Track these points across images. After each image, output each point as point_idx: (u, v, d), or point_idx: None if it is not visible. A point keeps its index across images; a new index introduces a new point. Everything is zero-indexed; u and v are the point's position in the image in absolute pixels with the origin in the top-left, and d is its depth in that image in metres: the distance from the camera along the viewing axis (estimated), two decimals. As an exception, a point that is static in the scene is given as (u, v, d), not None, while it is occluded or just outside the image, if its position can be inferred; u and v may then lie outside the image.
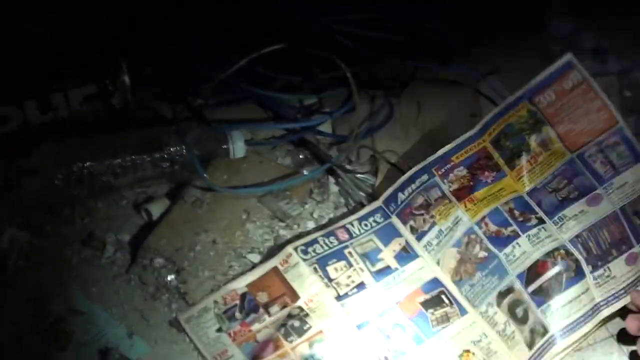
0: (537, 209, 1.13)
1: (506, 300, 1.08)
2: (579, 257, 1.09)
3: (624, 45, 1.46)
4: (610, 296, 1.09)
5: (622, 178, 1.12)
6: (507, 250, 1.11)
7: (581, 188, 1.12)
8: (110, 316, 1.09)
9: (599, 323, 1.09)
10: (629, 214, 1.11)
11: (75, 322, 1.08)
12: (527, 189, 1.14)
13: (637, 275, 1.10)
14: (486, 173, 1.15)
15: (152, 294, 1.12)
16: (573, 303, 1.09)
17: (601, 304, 1.09)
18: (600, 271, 1.09)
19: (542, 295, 1.09)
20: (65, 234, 1.17)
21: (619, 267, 1.10)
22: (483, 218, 1.13)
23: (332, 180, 1.27)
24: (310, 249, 1.13)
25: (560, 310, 1.09)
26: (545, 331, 1.08)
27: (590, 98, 1.13)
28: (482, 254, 1.12)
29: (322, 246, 1.14)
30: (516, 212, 1.13)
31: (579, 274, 1.09)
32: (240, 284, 1.10)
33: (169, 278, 1.13)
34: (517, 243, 1.11)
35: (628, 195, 1.12)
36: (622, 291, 1.09)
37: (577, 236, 1.11)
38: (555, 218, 1.12)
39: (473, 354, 1.05)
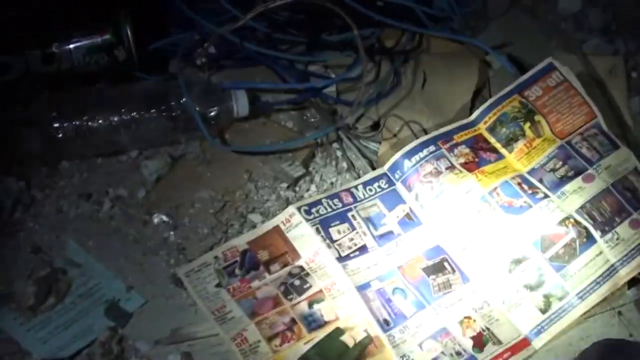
0: (539, 185, 1.15)
1: (519, 267, 1.09)
2: (587, 224, 1.11)
3: (631, 26, 1.45)
4: (624, 256, 1.11)
5: (607, 161, 1.17)
6: (520, 219, 1.12)
7: (575, 168, 1.16)
8: (108, 269, 1.07)
9: (618, 285, 1.11)
10: (620, 189, 1.15)
11: (73, 274, 1.06)
12: (527, 169, 1.17)
13: None
14: (488, 153, 1.18)
15: (151, 249, 1.11)
16: (589, 265, 1.10)
17: (617, 264, 1.11)
18: (609, 235, 1.12)
19: (559, 261, 1.09)
20: (63, 188, 1.16)
21: (625, 231, 1.13)
22: (495, 189, 1.14)
23: (335, 145, 1.25)
24: (313, 210, 1.12)
25: (578, 273, 1.09)
26: (565, 294, 1.08)
27: (572, 95, 1.21)
28: (493, 222, 1.11)
29: (325, 208, 1.13)
30: (525, 186, 1.14)
31: (590, 239, 1.10)
32: (242, 241, 1.10)
33: (168, 234, 1.12)
34: (530, 213, 1.12)
35: (615, 175, 1.16)
36: (634, 251, 1.12)
37: (581, 207, 1.13)
38: (558, 193, 1.14)
39: (474, 320, 1.05)
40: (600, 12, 1.45)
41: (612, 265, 1.09)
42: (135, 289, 1.06)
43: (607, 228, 1.11)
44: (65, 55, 1.21)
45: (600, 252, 1.10)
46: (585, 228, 1.11)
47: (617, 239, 1.11)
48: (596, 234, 1.11)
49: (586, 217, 1.12)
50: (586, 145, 1.19)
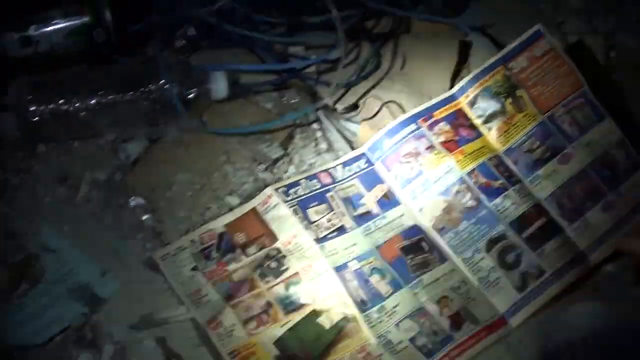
0: (513, 168, 1.15)
1: (497, 247, 1.10)
2: (554, 214, 1.13)
3: (610, 6, 1.44)
4: (593, 242, 1.12)
5: (588, 136, 1.17)
6: (497, 200, 1.13)
7: (553, 149, 1.16)
8: (83, 254, 1.06)
9: (589, 268, 1.12)
10: (598, 167, 1.16)
11: (47, 260, 1.05)
12: (504, 148, 1.17)
13: (617, 219, 1.14)
14: (468, 130, 1.18)
15: (127, 233, 1.10)
16: (559, 250, 1.11)
17: (586, 250, 1.12)
18: (577, 223, 1.13)
19: (535, 241, 1.11)
20: (39, 172, 1.15)
21: (596, 216, 1.14)
22: (473, 170, 1.14)
23: (315, 126, 1.24)
24: (291, 191, 1.12)
25: (553, 254, 1.11)
26: (541, 272, 1.09)
27: (558, 64, 1.19)
28: (471, 202, 1.12)
29: (303, 188, 1.13)
30: (500, 168, 1.14)
31: (556, 229, 1.13)
32: (218, 224, 1.09)
33: (144, 217, 1.11)
34: (507, 195, 1.13)
35: (595, 152, 1.17)
36: (605, 234, 1.13)
37: (552, 194, 1.14)
38: (531, 177, 1.15)
39: (451, 300, 1.04)
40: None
41: (581, 252, 1.10)
42: (110, 274, 1.05)
43: (576, 216, 1.13)
44: (43, 37, 1.20)
45: (568, 240, 1.11)
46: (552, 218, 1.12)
47: (586, 225, 1.12)
48: (563, 223, 1.12)
49: (555, 205, 1.13)
50: (569, 118, 1.18)
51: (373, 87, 1.27)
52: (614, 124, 1.19)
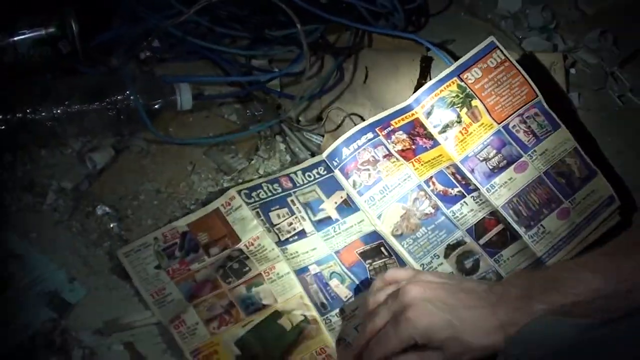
0: (470, 176, 1.19)
1: (455, 252, 1.14)
2: (511, 220, 1.16)
3: (570, 25, 1.48)
4: (549, 249, 1.16)
5: (543, 145, 1.21)
6: (455, 207, 1.16)
7: (509, 157, 1.20)
8: (50, 261, 1.07)
9: None
10: (553, 176, 1.20)
11: (14, 267, 1.06)
12: (461, 157, 1.21)
13: (573, 226, 1.18)
14: (424, 140, 1.22)
15: (94, 241, 1.11)
16: (516, 256, 1.15)
17: (543, 257, 1.15)
18: (534, 230, 1.17)
19: (493, 247, 1.15)
20: (5, 180, 1.15)
21: (552, 223, 1.17)
22: (430, 177, 1.18)
23: (278, 138, 1.27)
24: (254, 194, 1.15)
25: (511, 259, 1.15)
26: (499, 277, 1.12)
27: (512, 75, 1.23)
28: (429, 210, 1.16)
29: (265, 192, 1.16)
30: (458, 176, 1.18)
31: (513, 236, 1.16)
32: (182, 223, 1.12)
33: (111, 225, 1.13)
34: (464, 202, 1.17)
35: (550, 160, 1.20)
36: (561, 242, 1.17)
37: (508, 202, 1.18)
38: (488, 186, 1.19)
39: None
40: (539, 11, 1.48)
41: (539, 258, 1.14)
42: (78, 280, 1.06)
43: (532, 223, 1.16)
44: (9, 47, 1.20)
45: (526, 246, 1.15)
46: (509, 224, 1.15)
47: (543, 232, 1.16)
48: (520, 230, 1.16)
49: (511, 212, 1.17)
50: (524, 128, 1.22)
51: (336, 99, 1.31)
52: (568, 133, 1.23)
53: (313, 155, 1.25)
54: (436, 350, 0.91)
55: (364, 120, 1.26)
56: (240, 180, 1.20)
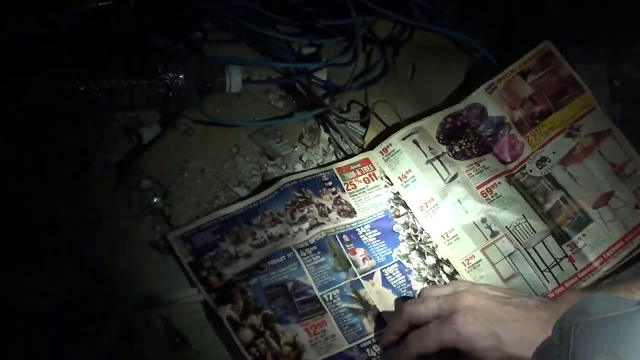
0: None
1: None
2: None
3: (614, 36, 1.48)
4: None
5: None
6: None
7: None
8: (92, 231, 1.08)
9: None
10: None
11: (57, 234, 1.07)
12: None
13: None
14: None
15: (137, 214, 1.12)
16: None
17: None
18: None
19: None
20: (52, 149, 1.16)
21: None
22: None
23: (322, 127, 1.28)
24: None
25: None
26: None
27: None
28: None
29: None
30: None
31: None
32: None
33: (154, 200, 1.13)
34: None
35: None
36: None
37: None
38: None
39: None
40: (586, 21, 1.48)
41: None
42: (119, 252, 1.07)
43: None
44: (62, 19, 1.21)
45: None
46: None
47: None
48: None
49: None
50: None
51: (381, 94, 1.31)
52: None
53: (356, 145, 1.24)
54: None
55: (408, 115, 1.27)
56: (283, 166, 1.21)
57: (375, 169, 1.20)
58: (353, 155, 1.24)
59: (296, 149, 1.24)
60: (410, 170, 1.20)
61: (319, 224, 1.12)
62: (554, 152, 1.22)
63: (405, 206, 1.18)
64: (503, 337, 0.92)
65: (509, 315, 0.94)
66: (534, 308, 0.95)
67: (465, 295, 0.96)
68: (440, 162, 1.21)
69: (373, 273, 1.11)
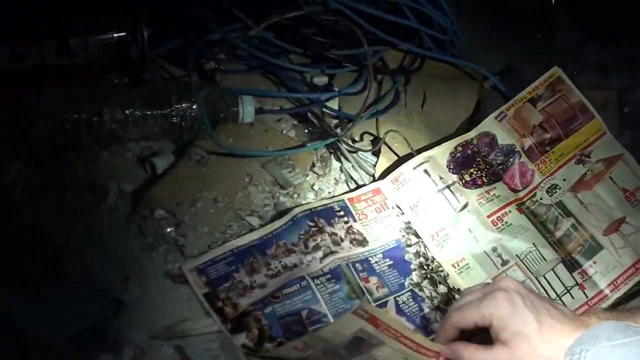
0: None
1: None
2: None
3: (627, 63, 1.49)
4: None
5: None
6: None
7: None
8: (106, 260, 1.09)
9: None
10: None
11: (72, 262, 1.08)
12: None
13: None
14: None
15: (150, 244, 1.13)
16: None
17: None
18: None
19: None
20: (67, 178, 1.18)
21: None
22: None
23: (334, 156, 1.29)
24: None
25: None
26: None
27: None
28: None
29: None
30: None
31: None
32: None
33: (168, 230, 1.14)
34: None
35: None
36: None
37: None
38: None
39: None
40: (597, 48, 1.49)
41: None
42: (132, 282, 1.07)
43: None
44: (80, 48, 1.22)
45: None
46: None
47: None
48: None
49: None
50: None
51: (392, 123, 1.32)
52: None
53: (367, 174, 1.26)
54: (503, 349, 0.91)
55: (419, 144, 1.29)
56: (295, 195, 1.22)
57: (386, 199, 1.20)
58: (364, 184, 1.24)
59: (308, 178, 1.25)
60: (421, 200, 1.20)
61: (332, 252, 1.12)
62: (564, 180, 1.21)
63: (417, 235, 1.18)
64: (536, 326, 0.92)
65: (548, 312, 0.94)
66: (570, 314, 0.95)
67: (509, 279, 0.98)
68: (451, 191, 1.21)
69: (387, 301, 1.11)
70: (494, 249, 1.16)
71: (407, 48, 1.38)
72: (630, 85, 1.44)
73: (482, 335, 0.95)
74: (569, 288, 1.14)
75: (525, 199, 1.22)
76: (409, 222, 1.19)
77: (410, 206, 1.20)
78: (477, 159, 1.25)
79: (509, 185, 1.23)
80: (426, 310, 1.10)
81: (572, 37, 1.53)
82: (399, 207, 1.20)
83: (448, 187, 1.22)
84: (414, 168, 1.23)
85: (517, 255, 1.16)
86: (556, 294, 1.14)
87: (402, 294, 1.11)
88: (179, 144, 1.24)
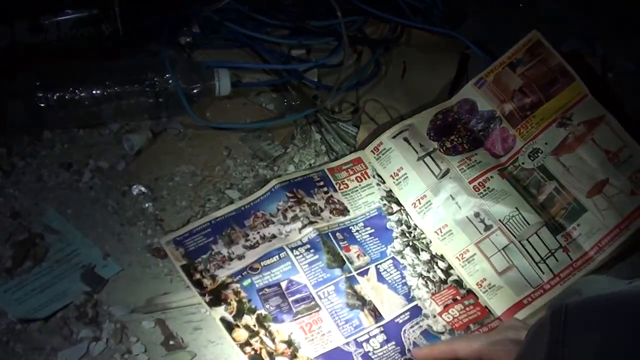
0: None
1: None
2: None
3: (610, 29, 1.47)
4: None
5: None
6: None
7: None
8: (85, 237, 1.08)
9: None
10: None
11: (51, 240, 1.07)
12: None
13: None
14: None
15: (129, 219, 1.12)
16: None
17: None
18: None
19: None
20: (44, 157, 1.17)
21: None
22: None
23: (314, 128, 1.27)
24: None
25: None
26: None
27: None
28: None
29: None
30: None
31: None
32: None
33: (146, 205, 1.13)
34: None
35: None
36: None
37: None
38: None
39: None
40: (580, 15, 1.47)
41: None
42: (111, 257, 1.07)
43: None
44: (52, 27, 1.21)
45: None
46: None
47: None
48: None
49: None
50: None
51: (373, 93, 1.31)
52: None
53: (348, 145, 1.24)
54: None
55: (399, 113, 1.27)
56: (275, 168, 1.21)
57: (367, 168, 1.20)
58: (345, 155, 1.22)
59: (288, 150, 1.23)
60: (401, 168, 1.19)
61: (311, 223, 1.11)
62: (546, 143, 1.20)
63: (398, 203, 1.17)
64: None
65: None
66: None
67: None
68: (432, 158, 1.20)
69: (368, 269, 1.10)
70: (477, 214, 1.15)
71: (386, 17, 1.36)
72: (614, 51, 1.42)
73: None
74: (553, 251, 1.13)
75: (507, 164, 1.20)
76: (390, 191, 1.18)
77: (391, 175, 1.19)
78: (458, 126, 1.23)
79: (491, 151, 1.22)
80: (407, 277, 1.10)
81: (554, 5, 1.50)
82: (379, 176, 1.19)
83: (429, 154, 1.20)
84: (394, 136, 1.21)
85: (500, 220, 1.15)
86: (540, 257, 1.12)
87: (384, 261, 1.10)
88: (156, 119, 1.22)
